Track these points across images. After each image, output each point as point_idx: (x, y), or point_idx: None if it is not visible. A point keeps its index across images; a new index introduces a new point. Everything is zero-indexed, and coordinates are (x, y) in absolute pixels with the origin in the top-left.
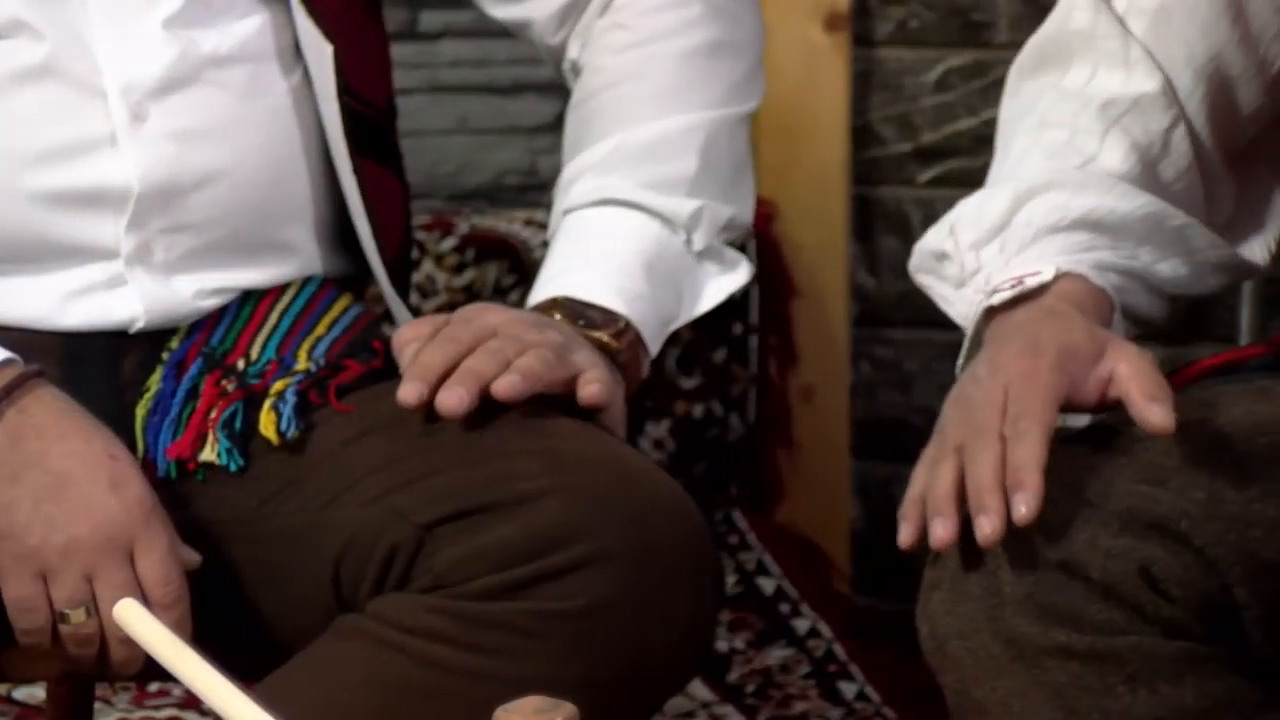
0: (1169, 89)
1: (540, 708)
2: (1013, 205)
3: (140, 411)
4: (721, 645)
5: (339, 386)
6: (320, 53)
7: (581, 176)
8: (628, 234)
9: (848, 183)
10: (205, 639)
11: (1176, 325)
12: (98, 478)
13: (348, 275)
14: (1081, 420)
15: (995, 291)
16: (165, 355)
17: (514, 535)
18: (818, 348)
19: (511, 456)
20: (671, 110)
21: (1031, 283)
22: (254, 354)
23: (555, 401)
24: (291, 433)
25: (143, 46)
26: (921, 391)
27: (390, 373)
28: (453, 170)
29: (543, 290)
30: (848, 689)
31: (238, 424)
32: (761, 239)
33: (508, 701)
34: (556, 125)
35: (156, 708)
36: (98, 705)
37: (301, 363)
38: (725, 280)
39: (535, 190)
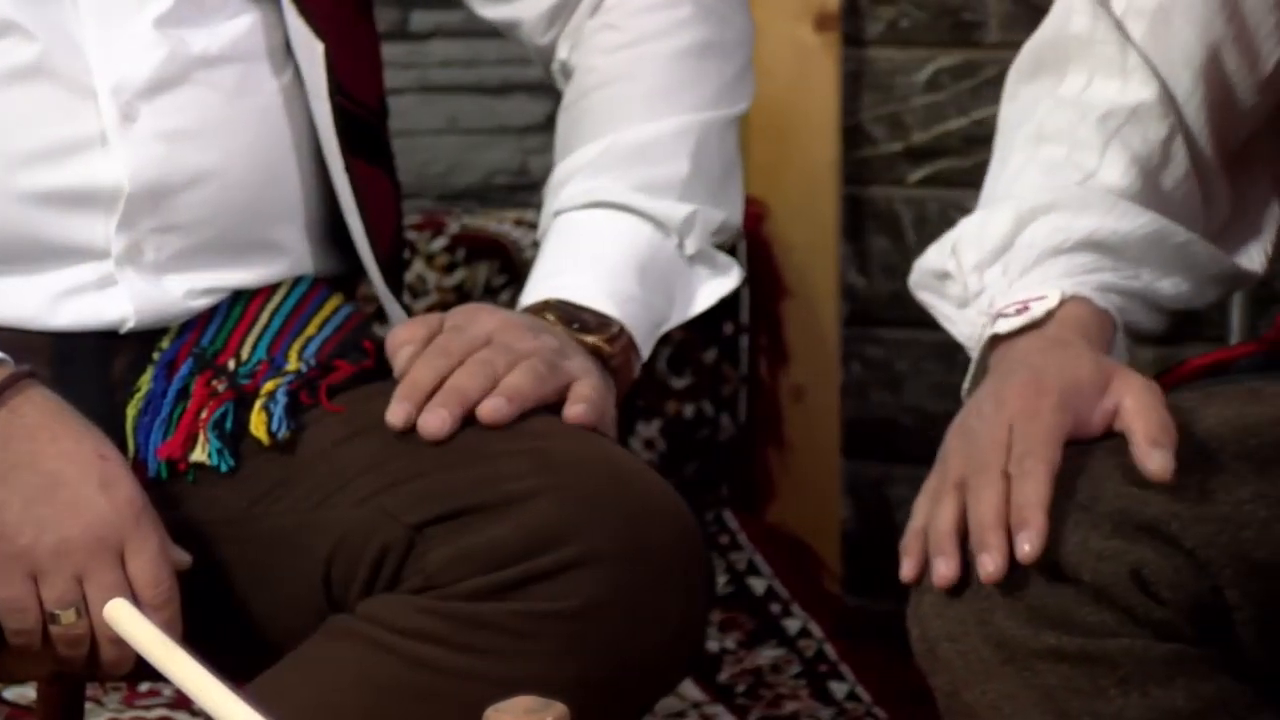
0: (1165, 96)
1: (531, 708)
2: (1015, 226)
3: (131, 412)
4: (712, 645)
5: (330, 387)
6: (311, 52)
7: (572, 178)
8: (619, 237)
9: (838, 183)
10: (196, 639)
11: (1167, 325)
12: (88, 478)
13: (338, 275)
14: None
15: (1000, 316)
16: (156, 355)
17: (505, 536)
18: (808, 348)
19: (502, 457)
20: (662, 111)
21: (1037, 310)
22: (245, 354)
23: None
24: (282, 433)
25: (133, 46)
26: (912, 391)
27: (381, 373)
28: (443, 170)
29: (535, 291)
30: (838, 689)
31: (228, 424)
32: (752, 239)
33: (499, 702)
34: (547, 125)
35: (147, 708)
36: (88, 705)
37: (292, 363)
38: (716, 284)
39: (525, 190)
